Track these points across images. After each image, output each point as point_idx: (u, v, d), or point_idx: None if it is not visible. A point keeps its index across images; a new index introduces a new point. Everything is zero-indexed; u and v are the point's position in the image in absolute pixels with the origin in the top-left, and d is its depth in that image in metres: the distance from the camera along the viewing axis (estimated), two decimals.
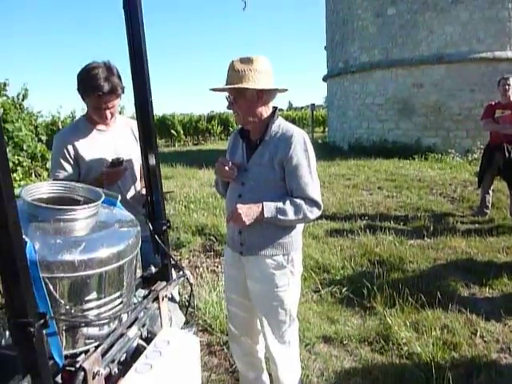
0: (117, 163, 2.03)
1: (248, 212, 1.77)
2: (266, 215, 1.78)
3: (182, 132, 21.37)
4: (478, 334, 2.81)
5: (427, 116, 11.51)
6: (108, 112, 2.06)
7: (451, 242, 4.57)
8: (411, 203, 6.32)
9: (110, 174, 2.02)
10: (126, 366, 1.27)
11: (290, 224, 1.87)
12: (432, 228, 4.99)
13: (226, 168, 1.89)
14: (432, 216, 5.63)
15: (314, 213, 1.85)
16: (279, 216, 1.79)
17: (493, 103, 5.59)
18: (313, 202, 1.83)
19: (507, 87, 5.36)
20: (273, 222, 1.82)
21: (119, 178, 2.08)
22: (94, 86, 1.95)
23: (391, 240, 4.64)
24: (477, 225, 5.30)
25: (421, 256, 4.19)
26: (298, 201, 1.82)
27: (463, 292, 3.46)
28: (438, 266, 3.92)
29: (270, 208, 1.79)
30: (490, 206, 5.72)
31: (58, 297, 1.08)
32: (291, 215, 1.80)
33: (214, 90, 1.88)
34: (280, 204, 1.80)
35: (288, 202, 1.81)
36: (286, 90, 1.92)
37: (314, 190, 1.84)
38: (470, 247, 4.43)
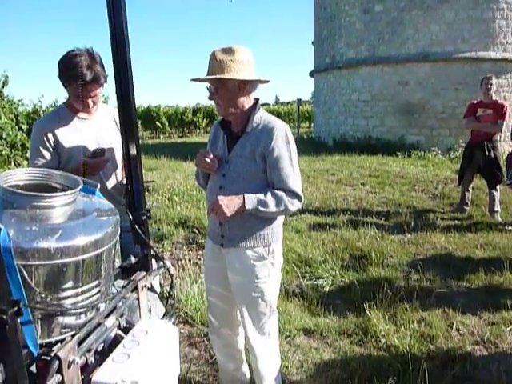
0: (99, 153, 2.00)
1: (229, 204, 1.76)
2: (247, 207, 1.78)
3: (167, 124, 21.18)
4: (454, 326, 2.88)
5: (411, 114, 11.65)
6: (90, 101, 2.02)
7: (431, 238, 4.66)
8: (393, 199, 6.41)
9: (91, 165, 1.99)
10: (103, 355, 1.26)
11: (271, 216, 1.87)
12: (413, 224, 5.07)
13: (207, 160, 1.88)
14: (413, 212, 5.72)
15: (294, 205, 1.85)
16: (260, 208, 1.79)
17: (475, 102, 5.69)
18: (294, 194, 1.84)
19: (489, 86, 5.46)
20: (254, 213, 1.81)
21: (101, 168, 2.05)
22: (76, 74, 1.90)
23: (373, 235, 4.71)
24: (456, 221, 5.41)
25: (401, 251, 4.26)
26: (280, 193, 1.82)
27: (441, 286, 3.53)
28: (418, 260, 3.98)
29: (251, 200, 1.79)
30: (469, 203, 5.85)
31: (33, 285, 1.06)
32: (272, 207, 1.80)
33: (195, 80, 1.86)
34: (261, 196, 1.80)
35: (269, 194, 1.81)
36: (268, 81, 1.91)
37: (295, 182, 1.85)
38: (449, 243, 4.52)
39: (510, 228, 5.03)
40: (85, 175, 1.90)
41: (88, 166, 1.97)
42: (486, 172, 5.60)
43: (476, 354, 2.61)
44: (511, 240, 4.63)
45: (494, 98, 5.56)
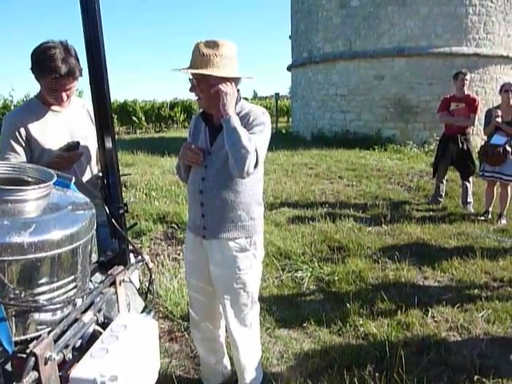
0: (73, 147, 1.96)
1: (230, 98, 1.74)
2: (230, 114, 1.73)
3: (143, 119, 20.88)
4: (430, 314, 2.96)
5: (387, 108, 11.83)
6: (64, 94, 1.97)
7: (407, 229, 4.76)
8: (370, 192, 6.51)
9: (65, 158, 1.94)
10: (81, 351, 1.24)
11: (234, 152, 1.72)
12: (389, 215, 5.17)
13: (193, 153, 1.86)
14: (390, 204, 5.83)
15: (252, 164, 1.73)
16: (238, 129, 1.71)
17: (448, 96, 5.82)
18: (257, 156, 1.75)
19: (465, 82, 5.60)
20: (228, 133, 1.73)
21: (74, 162, 2.01)
22: (50, 67, 1.84)
23: (350, 227, 4.78)
24: (431, 212, 5.54)
25: (378, 242, 4.34)
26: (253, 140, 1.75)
27: (417, 276, 3.62)
28: (394, 251, 4.06)
29: (236, 120, 1.74)
30: (443, 194, 6.00)
31: (6, 281, 1.03)
32: (245, 139, 1.70)
33: (176, 70, 1.83)
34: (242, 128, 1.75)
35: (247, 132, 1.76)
36: (251, 77, 1.91)
37: (261, 150, 1.78)
38: (424, 233, 4.63)
39: (482, 218, 5.19)
40: (58, 169, 1.86)
41: (62, 159, 1.93)
42: (459, 164, 5.75)
43: (450, 339, 2.69)
44: (483, 230, 4.78)
45: (466, 93, 5.70)
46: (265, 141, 1.84)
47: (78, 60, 1.94)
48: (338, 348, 2.55)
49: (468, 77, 5.63)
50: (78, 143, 1.97)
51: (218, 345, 2.22)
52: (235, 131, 1.72)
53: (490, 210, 5.28)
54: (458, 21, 11.21)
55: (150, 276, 1.65)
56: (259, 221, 1.98)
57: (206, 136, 1.94)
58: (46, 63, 1.85)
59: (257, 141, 1.77)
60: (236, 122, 1.74)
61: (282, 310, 3.02)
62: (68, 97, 2.00)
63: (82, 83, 2.02)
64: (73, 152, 1.96)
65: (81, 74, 1.96)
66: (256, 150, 1.74)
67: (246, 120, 1.83)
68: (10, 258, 1.02)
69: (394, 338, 2.62)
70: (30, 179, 1.28)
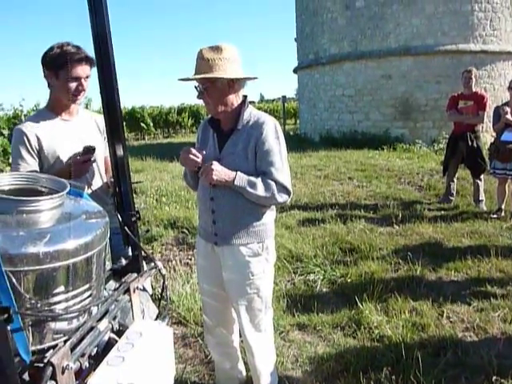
0: (90, 150, 1.97)
1: (221, 172, 1.78)
2: (235, 182, 1.79)
3: (151, 125, 20.99)
4: (445, 315, 2.93)
5: (395, 107, 11.76)
6: (83, 82, 1.99)
7: (419, 229, 4.72)
8: (380, 192, 6.47)
9: (79, 164, 1.94)
10: (97, 359, 1.24)
11: (257, 200, 1.84)
12: (400, 216, 5.12)
13: (191, 156, 1.84)
14: (400, 204, 5.78)
15: (282, 197, 1.85)
16: (248, 188, 1.79)
17: (456, 95, 5.78)
18: (283, 188, 1.84)
19: (470, 79, 5.55)
20: (241, 192, 1.81)
21: (87, 168, 2.01)
22: (69, 53, 1.91)
23: (361, 228, 4.75)
24: (443, 211, 5.49)
25: (390, 243, 4.31)
26: (270, 181, 1.82)
27: (430, 276, 3.58)
28: (407, 251, 4.02)
29: (241, 178, 1.80)
30: (454, 193, 5.94)
31: (22, 291, 1.04)
32: (261, 191, 1.80)
33: (183, 80, 1.85)
34: (252, 178, 1.81)
35: (260, 179, 1.82)
36: (256, 78, 1.91)
37: (284, 176, 1.85)
38: (437, 233, 4.59)
39: (494, 216, 5.12)
40: (72, 176, 1.88)
41: (76, 165, 1.93)
42: (470, 162, 5.68)
43: (467, 340, 2.66)
44: (496, 228, 4.72)
45: (474, 90, 5.65)
46: (284, 156, 1.88)
47: None
48: (353, 351, 2.53)
49: (473, 74, 5.58)
50: (94, 147, 1.98)
51: (233, 350, 2.22)
52: (247, 191, 1.79)
53: (503, 207, 5.21)
54: (464, 18, 11.12)
55: (164, 282, 1.65)
56: (271, 225, 1.98)
57: (215, 142, 1.94)
58: (64, 54, 1.91)
59: (277, 166, 1.83)
60: (242, 180, 1.79)
61: (296, 313, 3.00)
62: (84, 90, 2.01)
63: (91, 92, 2.03)
64: (88, 155, 1.96)
65: (94, 64, 1.97)
66: (280, 184, 1.82)
67: (257, 132, 1.83)
68: (26, 268, 1.03)
69: (410, 340, 2.59)
70: (43, 189, 1.29)
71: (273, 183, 1.82)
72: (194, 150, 1.85)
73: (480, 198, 5.61)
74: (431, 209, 5.64)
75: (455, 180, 5.97)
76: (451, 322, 2.87)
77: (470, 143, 5.55)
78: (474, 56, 11.13)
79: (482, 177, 5.65)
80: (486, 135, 9.34)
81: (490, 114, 5.37)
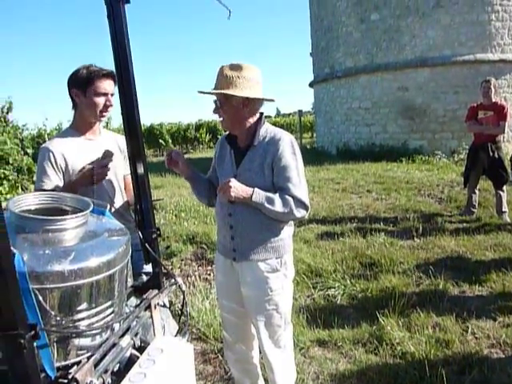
0: (108, 155, 2.02)
1: (238, 188, 1.79)
2: (253, 199, 1.80)
3: (170, 141, 21.33)
4: (470, 330, 2.85)
5: (413, 119, 11.67)
6: (110, 97, 2.06)
7: (440, 242, 4.63)
8: (400, 205, 6.38)
9: (100, 168, 1.98)
10: (119, 376, 1.26)
11: (275, 216, 1.86)
12: (421, 228, 5.04)
13: (168, 158, 1.95)
14: (421, 217, 5.69)
15: (300, 212, 1.86)
16: (266, 204, 1.80)
17: (475, 105, 5.71)
18: (300, 203, 1.85)
19: (489, 89, 5.49)
20: (259, 208, 1.83)
21: (107, 172, 2.03)
22: (96, 71, 2.00)
23: (381, 242, 4.68)
24: (465, 224, 5.37)
25: (411, 256, 4.23)
26: (288, 197, 1.83)
27: (453, 290, 3.50)
28: (428, 265, 3.94)
29: (259, 194, 1.81)
30: (476, 205, 5.81)
31: (48, 308, 1.07)
32: (279, 207, 1.81)
33: (201, 92, 1.89)
34: (270, 194, 1.83)
35: (278, 195, 1.83)
36: (273, 100, 1.93)
37: (301, 191, 1.86)
38: (459, 246, 4.49)
39: None
40: (93, 182, 1.93)
41: (97, 169, 1.96)
42: (491, 173, 5.57)
43: (493, 357, 2.57)
44: None
45: (493, 100, 5.57)
46: (301, 171, 1.89)
47: None
48: (375, 368, 2.48)
49: (492, 84, 5.51)
50: (112, 153, 2.03)
51: (252, 366, 2.20)
52: (265, 207, 1.81)
53: None
54: (481, 28, 11.02)
55: (184, 298, 1.67)
56: (289, 240, 1.98)
57: (232, 158, 1.97)
58: (90, 72, 2.00)
59: (294, 182, 1.84)
60: (260, 196, 1.81)
61: (316, 329, 2.97)
62: (111, 105, 2.08)
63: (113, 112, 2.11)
64: (107, 160, 2.00)
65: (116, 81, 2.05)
66: (298, 199, 1.83)
67: (274, 148, 1.85)
68: (51, 286, 1.06)
69: (434, 357, 2.52)
70: (67, 208, 1.34)
71: (290, 199, 1.83)
72: (173, 152, 1.97)
73: (503, 210, 5.48)
74: (453, 221, 5.53)
75: (477, 191, 5.86)
76: (476, 338, 2.79)
77: (491, 154, 5.45)
78: (492, 65, 10.99)
79: (504, 188, 5.52)
80: (508, 145, 9.16)
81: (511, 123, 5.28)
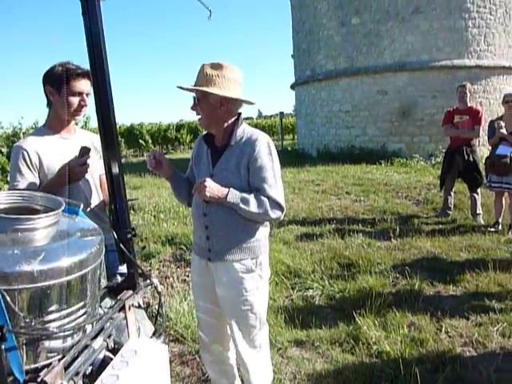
0: (86, 151, 1.98)
1: (214, 188, 1.79)
2: (228, 199, 1.80)
3: (150, 141, 21.15)
4: (443, 329, 2.91)
5: (392, 122, 11.87)
6: (85, 97, 2.03)
7: (417, 243, 4.72)
8: (378, 206, 6.48)
9: (78, 166, 1.94)
10: (91, 378, 1.24)
11: (250, 216, 1.86)
12: (398, 230, 5.13)
13: (147, 158, 1.96)
14: (398, 218, 5.79)
15: (276, 213, 1.86)
16: (241, 205, 1.80)
17: (451, 109, 5.85)
18: (276, 204, 1.86)
19: (464, 94, 5.63)
20: (234, 208, 1.83)
21: (86, 170, 2.01)
22: (71, 69, 1.96)
23: (359, 243, 4.75)
24: (440, 225, 5.49)
25: (388, 257, 4.30)
26: (263, 198, 1.84)
27: (429, 290, 3.57)
28: (405, 266, 4.01)
29: (234, 194, 1.81)
30: (452, 207, 5.96)
31: (16, 309, 1.04)
32: (253, 207, 1.81)
33: (180, 88, 1.88)
34: (245, 194, 1.83)
35: (253, 196, 1.83)
36: (253, 103, 1.94)
37: (277, 192, 1.87)
38: (435, 247, 4.59)
39: (492, 230, 5.13)
40: (70, 181, 1.89)
41: (75, 167, 1.94)
42: (467, 176, 5.72)
43: (465, 355, 2.64)
44: (494, 241, 4.72)
45: (469, 105, 5.72)
46: (277, 172, 1.89)
47: None
48: (352, 367, 2.51)
49: (468, 89, 5.66)
50: (89, 148, 1.99)
51: (229, 367, 2.20)
52: (239, 207, 1.81)
53: (500, 220, 5.23)
54: (459, 34, 11.31)
55: (160, 300, 1.66)
56: (265, 241, 1.98)
57: (208, 158, 1.97)
58: (66, 70, 1.96)
59: (270, 182, 1.84)
60: (235, 197, 1.81)
61: (294, 329, 2.98)
62: (86, 105, 2.05)
63: (89, 110, 2.07)
64: (85, 157, 1.97)
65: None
66: (273, 200, 1.84)
67: (250, 149, 1.85)
68: (20, 287, 1.03)
69: (408, 355, 2.57)
70: (39, 207, 1.31)
71: (266, 199, 1.83)
72: (154, 152, 1.97)
73: (477, 212, 5.63)
74: (429, 223, 5.65)
75: (452, 194, 6.00)
76: (450, 336, 2.85)
77: (466, 157, 5.60)
78: (468, 71, 11.29)
79: (478, 190, 5.68)
80: (483, 149, 9.41)
81: (486, 127, 5.43)
